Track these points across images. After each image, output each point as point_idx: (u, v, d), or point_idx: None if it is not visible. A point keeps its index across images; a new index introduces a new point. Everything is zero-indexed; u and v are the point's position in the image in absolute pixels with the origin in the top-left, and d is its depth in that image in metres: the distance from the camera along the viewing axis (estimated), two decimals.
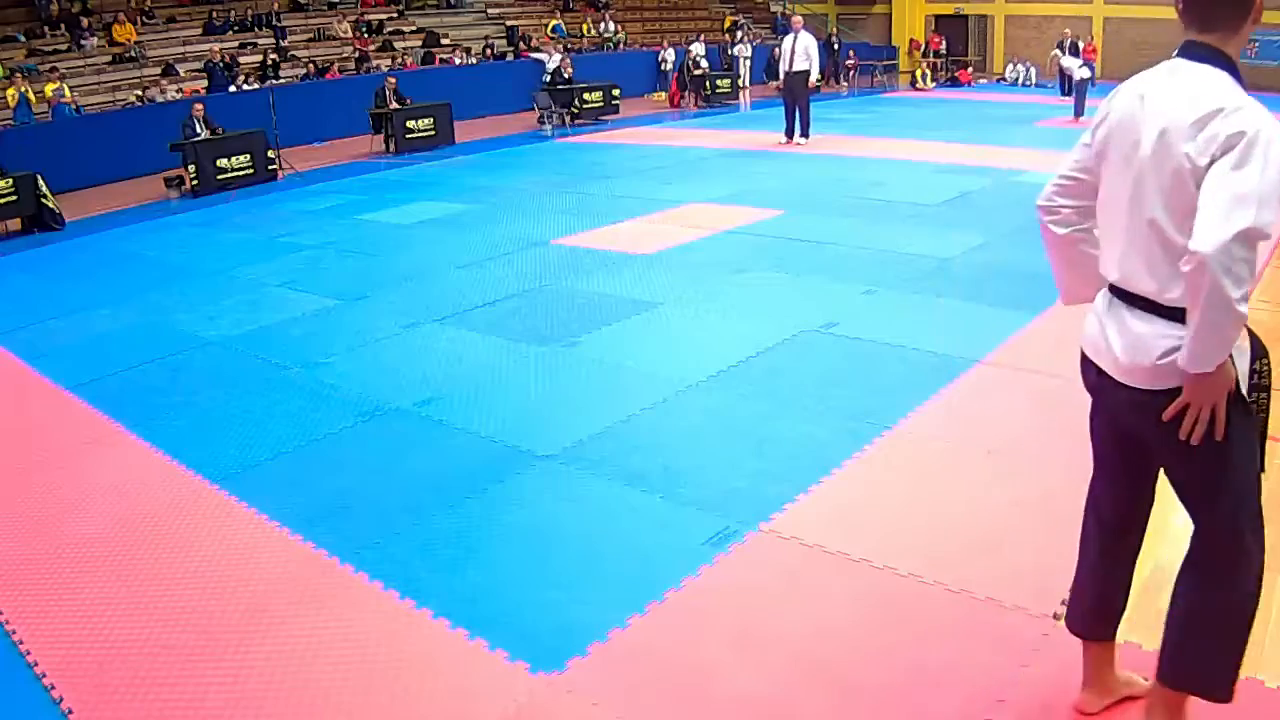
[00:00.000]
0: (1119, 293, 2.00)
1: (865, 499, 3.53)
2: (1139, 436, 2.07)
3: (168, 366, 5.46)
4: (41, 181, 10.19)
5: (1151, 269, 1.90)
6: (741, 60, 21.66)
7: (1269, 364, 1.98)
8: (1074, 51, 18.57)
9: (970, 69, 24.13)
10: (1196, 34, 1.91)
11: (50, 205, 10.27)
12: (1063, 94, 18.12)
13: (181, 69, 16.35)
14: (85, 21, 16.19)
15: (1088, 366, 2.12)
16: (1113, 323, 2.01)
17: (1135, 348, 1.95)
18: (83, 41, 15.94)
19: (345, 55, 18.26)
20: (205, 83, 15.51)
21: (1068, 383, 4.41)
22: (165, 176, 12.00)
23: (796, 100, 12.87)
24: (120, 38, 16.40)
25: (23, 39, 15.72)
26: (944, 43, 24.77)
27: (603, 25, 22.93)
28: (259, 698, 2.62)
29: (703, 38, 21.72)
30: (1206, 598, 2.04)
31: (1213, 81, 1.84)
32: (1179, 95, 1.86)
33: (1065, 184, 2.11)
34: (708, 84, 19.36)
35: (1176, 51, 1.95)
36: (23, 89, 13.52)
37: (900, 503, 3.49)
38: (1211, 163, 1.77)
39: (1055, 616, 2.77)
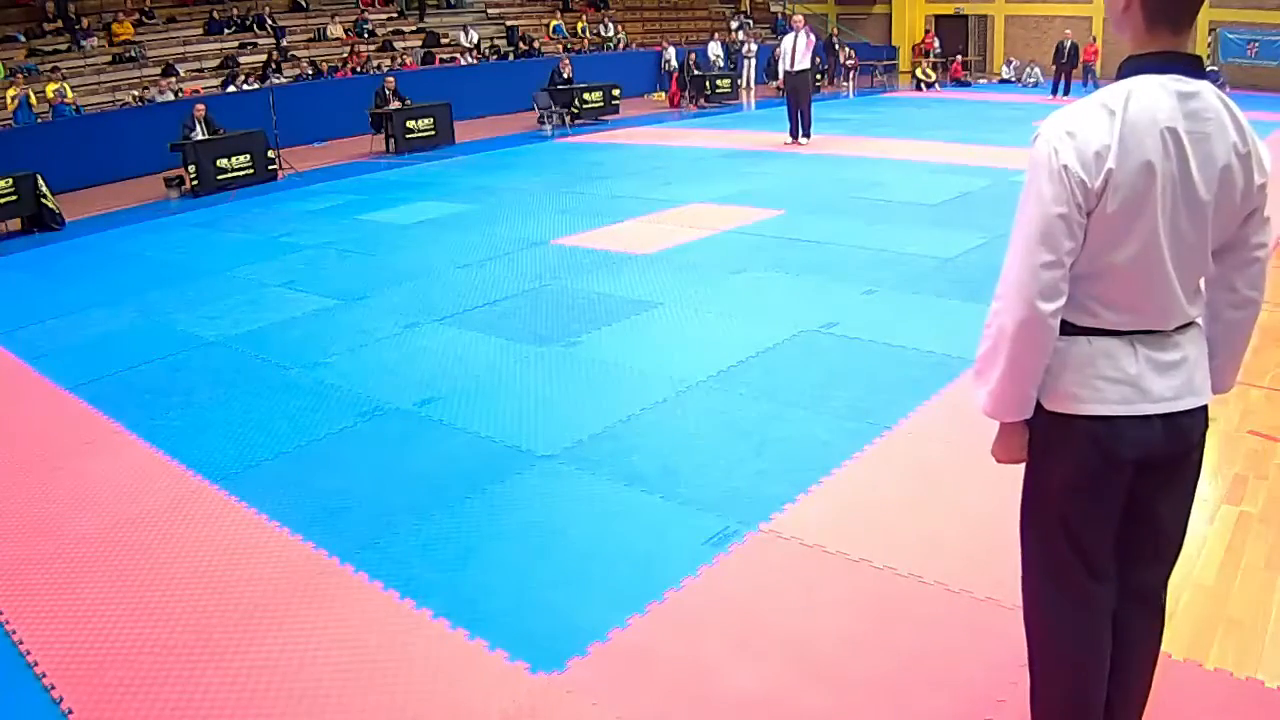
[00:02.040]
0: (1146, 333, 1.78)
1: (865, 499, 3.53)
2: (1173, 471, 1.88)
3: (167, 366, 5.46)
4: (41, 181, 10.20)
5: (1189, 298, 1.79)
6: (745, 60, 21.69)
7: None
8: (1072, 55, 18.68)
9: (961, 61, 23.97)
10: (1178, 40, 1.71)
11: (50, 205, 10.27)
12: (1053, 94, 18.24)
13: (182, 69, 16.37)
14: (85, 21, 16.20)
15: (1131, 427, 1.79)
16: (1165, 354, 1.79)
17: (1197, 366, 1.83)
18: (83, 41, 15.95)
19: (345, 55, 18.28)
20: (219, 80, 15.52)
21: None
22: (165, 176, 12.01)
23: (798, 100, 12.87)
24: (120, 37, 16.41)
25: (23, 39, 15.73)
26: (937, 42, 24.82)
27: (601, 26, 22.95)
28: (259, 698, 2.62)
29: (717, 36, 21.85)
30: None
31: (1228, 100, 1.72)
32: (1223, 118, 1.69)
33: (1066, 265, 1.74)
34: (708, 84, 19.37)
35: (1158, 65, 1.69)
36: (23, 89, 13.52)
37: (900, 503, 3.49)
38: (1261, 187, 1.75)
39: None
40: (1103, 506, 1.86)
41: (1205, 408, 1.85)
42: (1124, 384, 1.77)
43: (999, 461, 1.98)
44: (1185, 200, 1.69)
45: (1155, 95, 1.66)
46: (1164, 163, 1.66)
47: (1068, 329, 1.80)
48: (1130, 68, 1.72)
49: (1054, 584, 1.95)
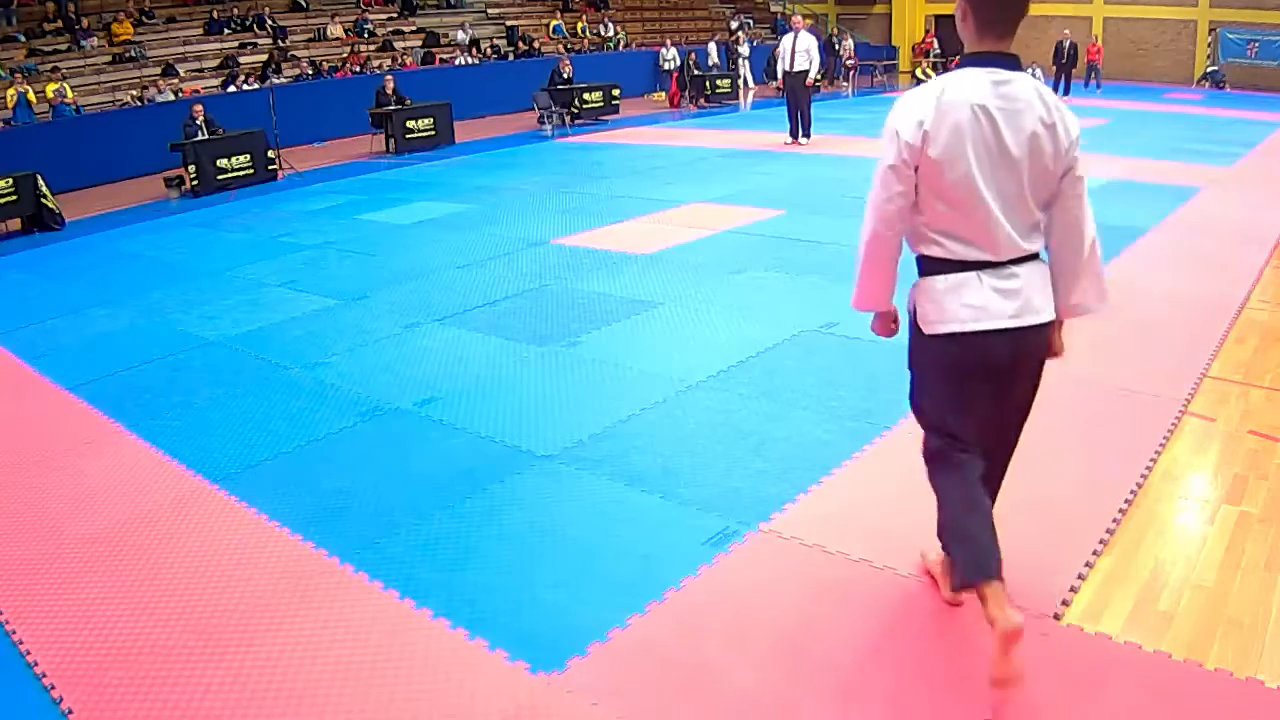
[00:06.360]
0: (988, 266, 2.33)
1: (866, 499, 3.53)
2: (1015, 372, 2.44)
3: (167, 366, 5.46)
4: (41, 181, 10.19)
5: (1023, 235, 2.34)
6: (742, 60, 21.69)
7: None
8: (1071, 54, 18.76)
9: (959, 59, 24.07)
10: (1000, 43, 2.29)
11: (50, 205, 10.28)
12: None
13: (182, 69, 16.38)
14: (85, 21, 16.21)
15: (982, 339, 2.35)
16: (1005, 283, 2.34)
17: (1035, 290, 2.37)
18: (83, 41, 15.95)
19: (345, 55, 18.29)
20: (219, 80, 15.53)
21: (1069, 382, 4.42)
22: (165, 176, 12.02)
23: (798, 100, 12.86)
24: (120, 37, 16.41)
25: (23, 39, 15.73)
26: (936, 43, 24.84)
27: (601, 26, 22.95)
28: (259, 698, 2.62)
29: (718, 38, 21.89)
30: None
31: (1041, 86, 2.30)
32: (1032, 99, 2.25)
33: (899, 202, 2.36)
34: (708, 84, 19.38)
35: (979, 61, 2.28)
36: (23, 89, 13.53)
37: (901, 503, 3.48)
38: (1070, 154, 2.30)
39: (1055, 617, 2.77)
40: (962, 400, 2.47)
41: (1046, 326, 2.41)
42: (972, 307, 2.35)
43: (878, 334, 2.70)
44: (1000, 158, 2.25)
45: (973, 81, 2.26)
46: (973, 127, 2.23)
47: (927, 266, 2.42)
48: (962, 63, 2.33)
49: (937, 457, 2.58)
